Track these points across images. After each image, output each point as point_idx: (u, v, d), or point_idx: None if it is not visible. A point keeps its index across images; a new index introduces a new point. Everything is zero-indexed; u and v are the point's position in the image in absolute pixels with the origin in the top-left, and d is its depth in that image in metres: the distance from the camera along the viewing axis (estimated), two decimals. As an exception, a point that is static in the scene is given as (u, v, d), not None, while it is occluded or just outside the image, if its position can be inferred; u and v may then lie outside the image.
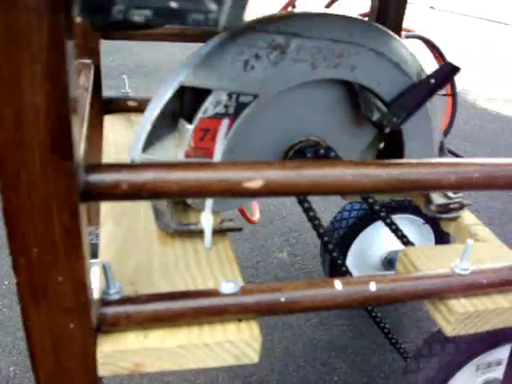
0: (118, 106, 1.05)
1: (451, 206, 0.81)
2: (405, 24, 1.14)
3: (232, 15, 0.38)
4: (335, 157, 0.72)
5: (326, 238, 0.78)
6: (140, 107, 1.05)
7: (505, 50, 4.52)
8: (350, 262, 1.22)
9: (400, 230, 0.83)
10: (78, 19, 0.36)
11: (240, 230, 0.70)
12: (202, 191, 0.47)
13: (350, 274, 0.86)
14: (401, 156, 0.78)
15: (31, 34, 0.37)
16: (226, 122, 0.63)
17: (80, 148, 0.44)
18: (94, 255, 0.65)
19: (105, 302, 0.53)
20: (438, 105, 0.76)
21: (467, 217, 0.83)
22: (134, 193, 0.45)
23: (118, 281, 0.60)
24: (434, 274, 0.61)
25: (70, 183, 0.42)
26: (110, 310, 0.52)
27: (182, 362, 0.55)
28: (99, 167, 0.45)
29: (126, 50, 3.24)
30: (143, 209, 0.74)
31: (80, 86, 0.87)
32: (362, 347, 1.21)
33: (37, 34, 0.37)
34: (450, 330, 0.63)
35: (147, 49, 3.29)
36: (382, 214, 0.80)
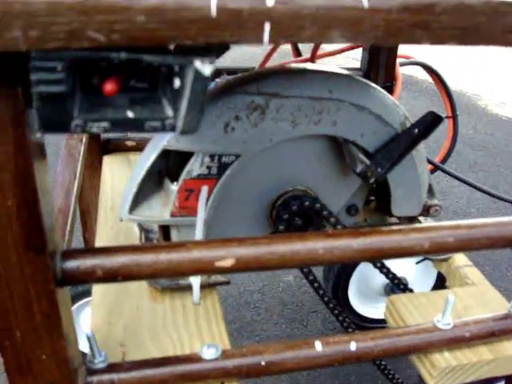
0: (116, 145, 1.07)
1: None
2: (402, 50, 1.15)
3: (188, 119, 0.39)
4: (320, 208, 0.73)
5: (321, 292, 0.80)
6: (138, 146, 1.07)
7: (519, 49, 4.46)
8: (353, 292, 1.23)
9: (391, 273, 0.83)
10: (39, 134, 0.38)
11: (228, 283, 0.72)
12: (175, 272, 0.49)
13: (348, 320, 0.87)
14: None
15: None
16: (205, 188, 0.65)
17: (54, 238, 0.46)
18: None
19: (90, 371, 0.55)
20: (423, 150, 0.77)
21: (458, 258, 0.84)
22: (109, 277, 0.47)
23: (107, 341, 0.62)
24: (415, 330, 0.62)
25: (45, 274, 0.44)
26: (95, 379, 0.54)
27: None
28: (74, 254, 0.47)
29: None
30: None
31: (74, 135, 0.90)
32: (365, 374, 1.22)
33: (1, 146, 0.39)
34: (432, 383, 0.64)
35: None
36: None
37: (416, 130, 0.71)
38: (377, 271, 1.18)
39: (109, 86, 0.37)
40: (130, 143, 1.07)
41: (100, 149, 1.06)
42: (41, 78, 0.34)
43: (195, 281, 0.68)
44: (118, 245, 0.49)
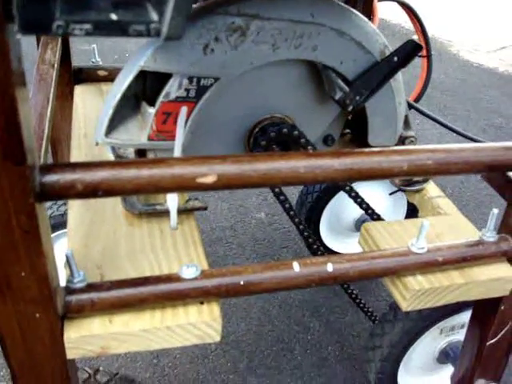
0: (88, 75, 1.04)
1: (415, 179, 0.83)
2: (379, -16, 1.13)
3: (174, 24, 0.38)
4: (298, 135, 0.73)
5: (296, 220, 0.80)
6: (110, 76, 1.04)
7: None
8: (325, 226, 1.25)
9: (365, 203, 0.85)
10: (19, 35, 0.36)
11: (205, 209, 0.72)
12: (156, 188, 0.48)
13: (322, 248, 0.89)
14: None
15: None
16: (184, 109, 0.64)
17: (33, 151, 0.45)
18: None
19: (69, 291, 0.54)
20: (401, 80, 0.76)
21: (431, 189, 0.85)
22: (89, 192, 0.47)
23: (84, 263, 0.62)
24: (390, 253, 0.64)
25: (24, 186, 0.43)
26: (75, 298, 0.54)
27: (147, 343, 0.57)
28: (54, 168, 0.46)
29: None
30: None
31: (46, 61, 0.86)
32: (335, 306, 1.25)
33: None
34: (405, 306, 0.65)
35: None
36: (347, 188, 0.82)
37: (395, 59, 0.71)
38: (348, 207, 1.20)
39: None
40: (102, 73, 1.04)
41: (71, 78, 1.03)
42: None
43: (172, 205, 0.68)
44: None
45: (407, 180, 0.83)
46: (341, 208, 1.24)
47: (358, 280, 0.63)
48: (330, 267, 0.60)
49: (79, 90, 1.02)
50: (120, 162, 0.47)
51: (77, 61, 1.06)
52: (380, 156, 0.54)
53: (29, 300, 0.50)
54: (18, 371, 0.55)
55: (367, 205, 0.85)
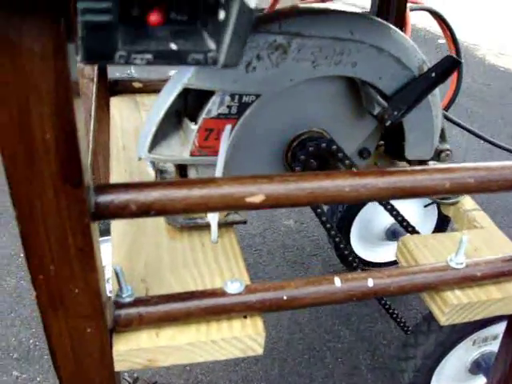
0: (123, 87, 1.06)
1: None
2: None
3: (231, 52, 0.39)
4: (336, 149, 0.73)
5: (332, 232, 0.81)
6: (145, 88, 1.06)
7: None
8: (355, 235, 1.26)
9: (401, 215, 0.85)
10: (82, 64, 0.38)
11: (245, 222, 0.73)
12: (207, 207, 0.49)
13: (354, 255, 0.89)
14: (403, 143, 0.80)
15: (37, 79, 0.39)
16: (228, 127, 0.65)
17: (88, 171, 0.46)
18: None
19: (118, 305, 0.56)
20: (438, 95, 0.77)
21: (467, 202, 0.85)
22: (142, 212, 0.48)
23: (129, 278, 0.63)
24: (429, 269, 0.64)
25: (81, 208, 0.45)
26: (123, 312, 0.56)
27: (192, 356, 0.59)
28: (108, 188, 0.48)
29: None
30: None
31: (85, 75, 0.88)
32: (366, 315, 1.26)
33: (43, 78, 0.39)
34: (444, 320, 0.66)
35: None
36: (383, 202, 0.82)
37: (433, 74, 0.72)
38: (378, 216, 1.21)
39: (154, 17, 0.37)
40: (137, 85, 1.06)
41: (107, 90, 1.05)
42: (88, 7, 0.34)
43: (213, 219, 0.70)
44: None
45: (443, 197, 0.83)
46: (371, 217, 1.24)
47: (398, 295, 0.64)
48: (370, 282, 0.61)
49: (115, 102, 1.04)
50: (171, 182, 0.49)
51: (111, 72, 1.08)
52: (423, 174, 0.55)
53: (81, 315, 0.52)
54: (66, 383, 0.57)
55: (402, 217, 0.86)
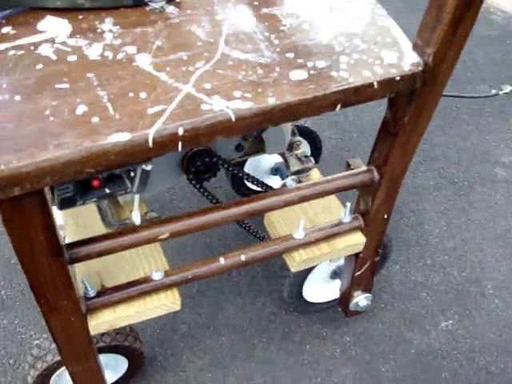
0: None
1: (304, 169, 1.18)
2: None
3: (138, 189, 0.71)
4: (217, 159, 1.05)
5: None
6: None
7: None
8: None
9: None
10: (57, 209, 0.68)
11: (159, 217, 1.06)
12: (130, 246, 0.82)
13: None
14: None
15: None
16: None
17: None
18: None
19: (87, 299, 0.90)
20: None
21: (314, 174, 1.21)
22: (96, 255, 0.81)
23: (87, 270, 0.96)
24: (281, 241, 1.01)
25: (62, 263, 0.77)
26: (90, 302, 0.90)
27: (138, 318, 0.94)
28: (76, 245, 0.79)
29: None
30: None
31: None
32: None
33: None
34: (293, 270, 1.04)
35: None
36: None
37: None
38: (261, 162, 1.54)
39: (95, 183, 0.67)
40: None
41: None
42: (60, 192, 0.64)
43: (137, 219, 1.02)
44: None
45: (299, 171, 1.18)
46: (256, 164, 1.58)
47: (264, 261, 1.01)
48: (243, 257, 0.97)
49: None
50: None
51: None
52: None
53: (68, 312, 0.85)
54: (63, 350, 0.92)
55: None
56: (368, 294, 1.27)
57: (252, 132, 1.03)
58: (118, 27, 0.78)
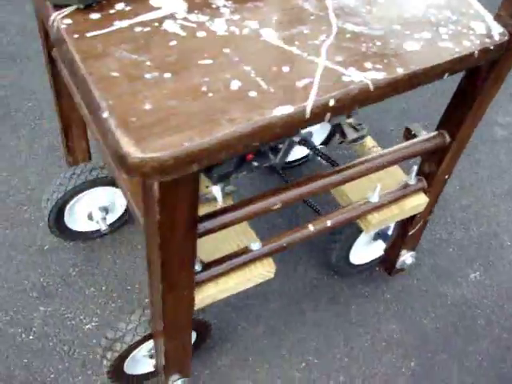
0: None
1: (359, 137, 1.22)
2: None
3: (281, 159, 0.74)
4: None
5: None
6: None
7: None
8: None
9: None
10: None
11: (236, 190, 1.08)
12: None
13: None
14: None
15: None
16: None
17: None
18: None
19: (195, 273, 0.92)
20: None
21: (369, 141, 1.25)
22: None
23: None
24: (359, 205, 1.06)
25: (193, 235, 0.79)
26: (198, 277, 0.92)
27: (236, 289, 0.97)
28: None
29: None
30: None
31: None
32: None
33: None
34: (367, 232, 1.10)
35: None
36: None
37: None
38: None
39: (249, 156, 0.69)
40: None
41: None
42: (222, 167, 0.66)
43: (218, 193, 1.03)
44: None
45: (355, 139, 1.22)
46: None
47: (345, 224, 1.06)
48: (311, 227, 1.02)
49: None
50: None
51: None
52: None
53: (183, 287, 0.87)
54: (167, 326, 0.93)
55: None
56: (413, 252, 1.35)
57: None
58: (230, 2, 0.78)
